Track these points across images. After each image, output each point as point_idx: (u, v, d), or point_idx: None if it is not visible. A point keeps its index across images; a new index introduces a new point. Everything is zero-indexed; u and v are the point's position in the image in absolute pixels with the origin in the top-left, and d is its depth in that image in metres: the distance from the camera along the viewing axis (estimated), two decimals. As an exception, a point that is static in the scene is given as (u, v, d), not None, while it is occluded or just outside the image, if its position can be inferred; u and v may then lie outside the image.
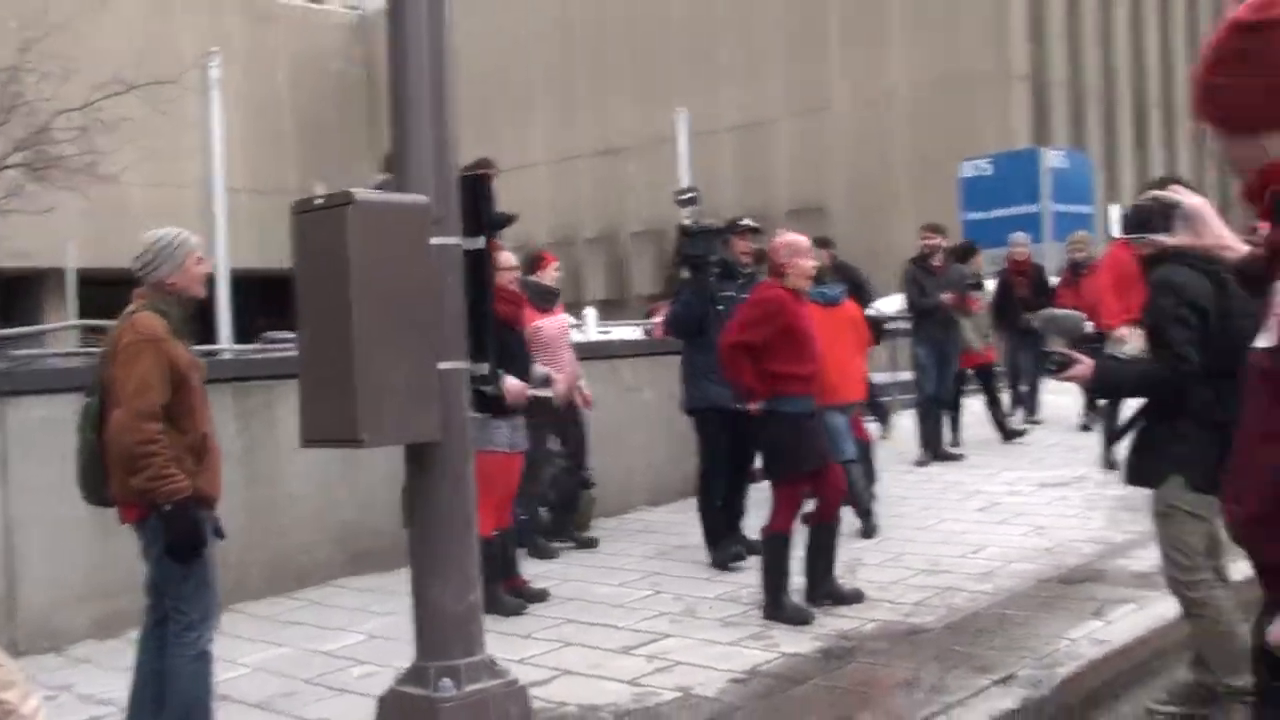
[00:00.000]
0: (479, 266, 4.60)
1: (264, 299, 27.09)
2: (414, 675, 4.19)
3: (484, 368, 4.57)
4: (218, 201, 15.90)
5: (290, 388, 7.50)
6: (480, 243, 4.63)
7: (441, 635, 4.18)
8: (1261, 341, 1.99)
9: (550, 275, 7.64)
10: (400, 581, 7.37)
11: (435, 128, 4.50)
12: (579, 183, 33.69)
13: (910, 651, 5.55)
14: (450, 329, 4.34)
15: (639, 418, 9.33)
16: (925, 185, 26.99)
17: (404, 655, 5.75)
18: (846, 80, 30.30)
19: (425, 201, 4.36)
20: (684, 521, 8.63)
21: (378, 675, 5.56)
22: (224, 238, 15.59)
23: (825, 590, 6.23)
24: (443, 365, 4.29)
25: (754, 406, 6.17)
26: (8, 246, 16.54)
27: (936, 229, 11.40)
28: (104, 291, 28.28)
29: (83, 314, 24.09)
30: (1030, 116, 29.26)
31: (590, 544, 8.10)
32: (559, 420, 7.73)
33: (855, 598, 6.25)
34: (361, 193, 4.34)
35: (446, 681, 4.09)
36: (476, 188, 4.74)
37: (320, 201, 4.38)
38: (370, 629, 6.45)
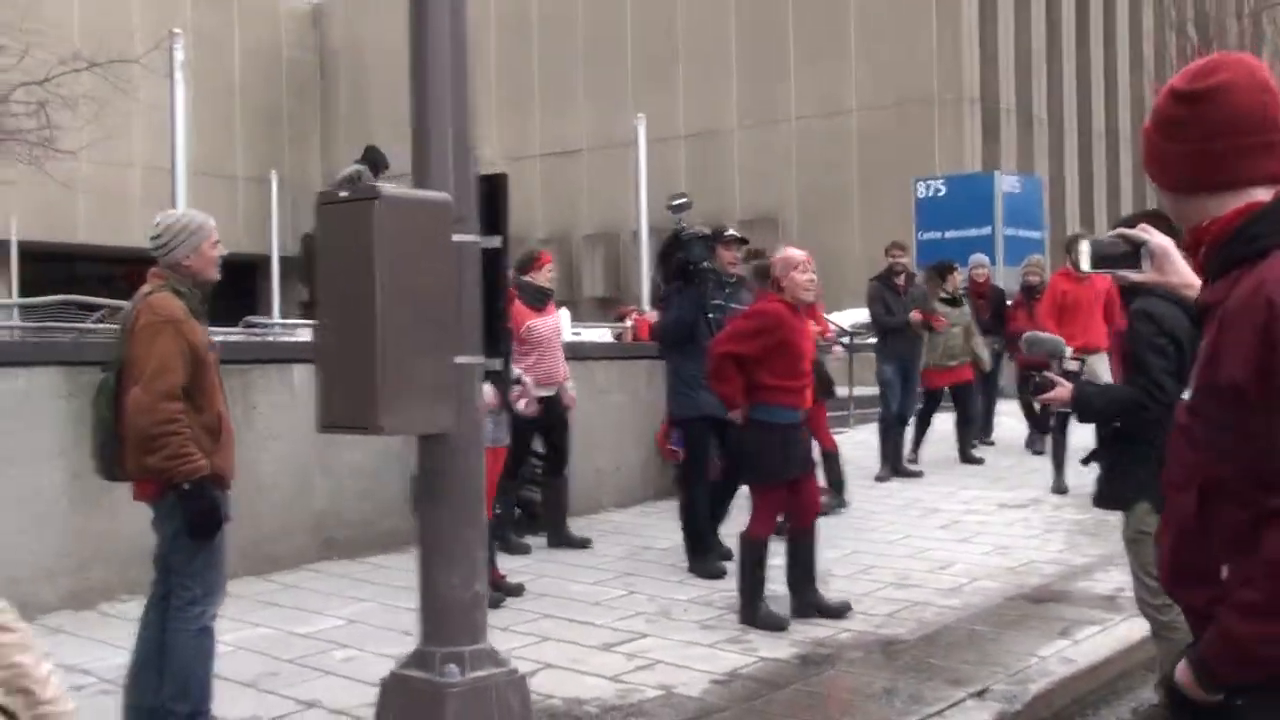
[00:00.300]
0: (495, 264, 4.69)
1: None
2: (418, 659, 4.25)
3: (497, 363, 4.66)
4: (179, 184, 15.75)
5: (267, 373, 7.62)
6: (497, 241, 4.72)
7: (447, 621, 4.25)
8: (1184, 394, 2.11)
9: (545, 276, 7.70)
10: (370, 570, 7.52)
11: (456, 124, 4.58)
12: (531, 183, 33.72)
13: (885, 662, 5.69)
14: (466, 324, 4.42)
15: (609, 420, 9.42)
16: (877, 201, 27.32)
17: (382, 641, 5.87)
18: (801, 94, 30.57)
19: (448, 199, 4.44)
20: (653, 525, 8.76)
21: (359, 659, 5.66)
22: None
23: (810, 601, 6.33)
24: (459, 359, 4.37)
25: (736, 415, 6.29)
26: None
27: (903, 247, 11.61)
28: (42, 265, 27.94)
29: (23, 288, 23.73)
30: (980, 139, 29.73)
31: (584, 544, 8.16)
32: (546, 419, 7.79)
33: (841, 611, 6.34)
34: (388, 188, 4.42)
35: (452, 667, 4.15)
36: (495, 187, 4.84)
37: (346, 194, 4.45)
38: (347, 614, 6.51)
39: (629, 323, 12.32)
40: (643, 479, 9.67)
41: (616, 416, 9.54)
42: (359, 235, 4.25)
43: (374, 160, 11.74)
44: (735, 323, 6.41)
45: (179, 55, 17.74)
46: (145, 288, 4.55)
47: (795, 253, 6.30)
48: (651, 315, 11.76)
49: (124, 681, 4.53)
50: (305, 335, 11.55)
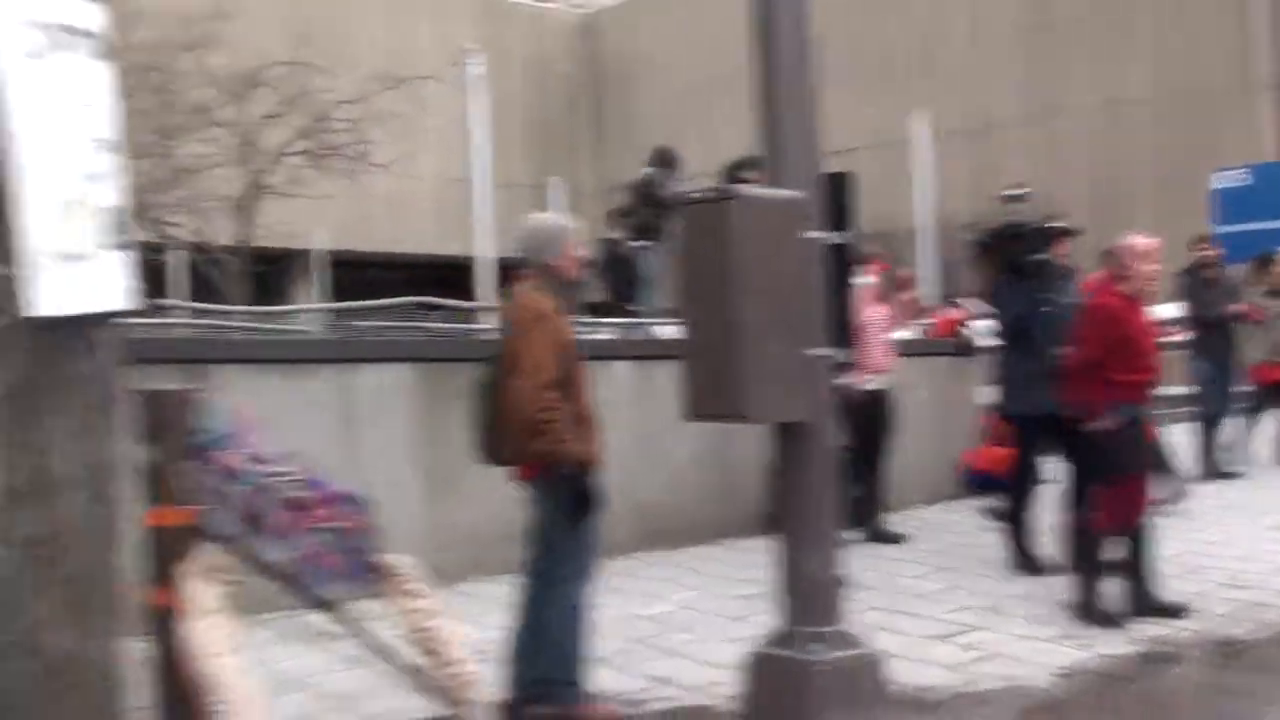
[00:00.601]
0: (841, 260, 4.85)
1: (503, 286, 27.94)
2: (781, 639, 4.45)
3: (843, 355, 4.82)
4: (485, 193, 16.69)
5: (592, 369, 7.98)
6: (843, 237, 4.87)
7: (810, 603, 4.44)
8: None
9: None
10: (692, 559, 7.80)
11: (803, 123, 4.75)
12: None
13: (1229, 661, 5.57)
14: (817, 318, 4.58)
15: (915, 415, 9.41)
16: (1167, 194, 26.12)
17: (715, 625, 6.14)
18: (1082, 85, 29.52)
19: (801, 197, 4.62)
20: (963, 521, 8.73)
21: (699, 641, 5.93)
22: (490, 228, 16.35)
23: (1146, 599, 6.20)
24: (811, 351, 4.54)
25: (1098, 424, 6.10)
26: (280, 229, 17.61)
27: (1207, 239, 11.24)
28: (339, 272, 29.71)
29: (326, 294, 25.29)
30: (1276, 128, 28.09)
31: (899, 539, 8.26)
32: (871, 412, 7.89)
33: (1177, 611, 6.17)
34: (744, 188, 4.63)
35: (816, 646, 4.34)
36: (840, 184, 4.99)
37: (705, 195, 4.69)
38: (678, 600, 6.80)
39: (935, 318, 12.28)
40: (948, 476, 9.63)
41: (920, 412, 9.54)
42: (718, 233, 4.48)
43: (665, 160, 12.06)
44: (1078, 329, 6.24)
45: (474, 71, 18.77)
46: (519, 287, 4.89)
47: (1144, 241, 6.06)
48: (955, 311, 11.68)
49: (505, 654, 4.85)
50: (607, 334, 11.94)
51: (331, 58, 18.32)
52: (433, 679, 4.13)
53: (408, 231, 33.77)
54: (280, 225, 17.15)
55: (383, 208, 31.76)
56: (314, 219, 23.77)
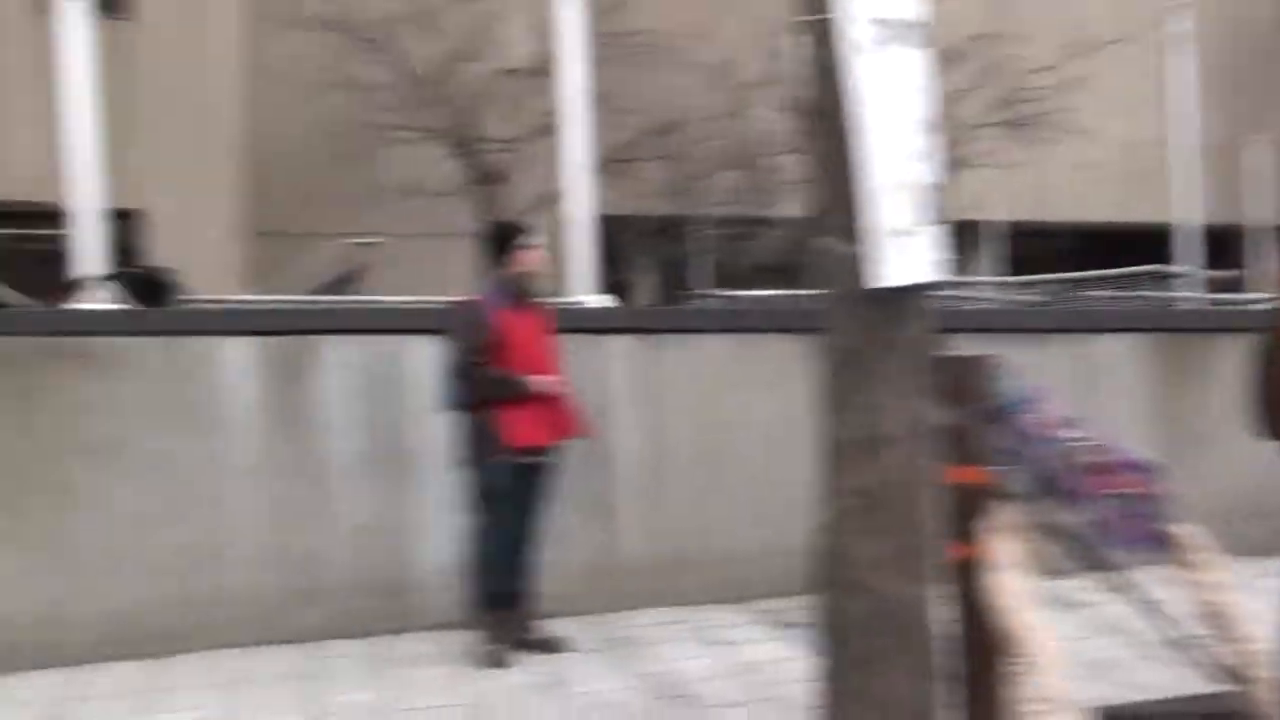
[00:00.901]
0: None
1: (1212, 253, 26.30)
2: None
3: None
4: (1175, 156, 15.90)
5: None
6: None
7: None
8: None
9: None
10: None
11: None
12: None
13: None
14: None
15: None
16: None
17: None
18: None
19: None
20: None
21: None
22: (1190, 192, 15.60)
23: None
24: None
25: None
26: (963, 201, 17.78)
27: None
28: (1022, 242, 29.40)
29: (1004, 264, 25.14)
30: None
31: None
32: None
33: None
34: None
35: None
36: None
37: None
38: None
39: None
40: None
41: None
42: None
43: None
44: None
45: (1177, 28, 17.86)
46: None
47: None
48: None
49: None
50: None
51: (1023, 26, 18.22)
52: (1216, 654, 4.07)
53: (1091, 198, 32.64)
54: (964, 196, 17.32)
55: (1065, 175, 30.99)
56: (995, 189, 23.77)
